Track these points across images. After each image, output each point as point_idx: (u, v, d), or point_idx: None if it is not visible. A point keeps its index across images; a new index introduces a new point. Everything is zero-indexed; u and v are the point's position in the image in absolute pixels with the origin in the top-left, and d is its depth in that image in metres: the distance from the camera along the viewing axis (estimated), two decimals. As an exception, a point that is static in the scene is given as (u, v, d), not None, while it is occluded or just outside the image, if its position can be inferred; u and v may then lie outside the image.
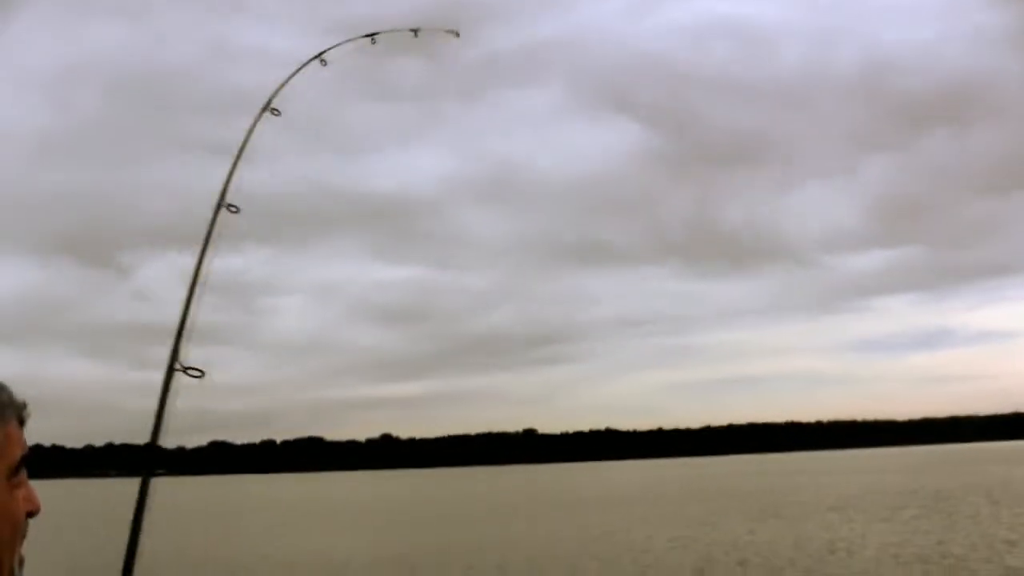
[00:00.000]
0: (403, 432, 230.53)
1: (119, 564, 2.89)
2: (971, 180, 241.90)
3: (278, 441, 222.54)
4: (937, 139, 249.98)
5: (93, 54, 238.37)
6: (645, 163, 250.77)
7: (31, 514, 1.32)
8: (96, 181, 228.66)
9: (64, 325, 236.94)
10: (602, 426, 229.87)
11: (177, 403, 3.07)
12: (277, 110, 4.20)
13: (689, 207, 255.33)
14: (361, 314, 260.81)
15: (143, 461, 3.09)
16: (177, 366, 3.05)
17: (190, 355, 3.12)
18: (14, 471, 1.29)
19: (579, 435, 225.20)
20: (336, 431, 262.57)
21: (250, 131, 4.05)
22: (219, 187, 3.75)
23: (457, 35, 5.91)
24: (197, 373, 3.04)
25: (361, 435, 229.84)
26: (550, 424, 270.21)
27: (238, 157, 3.91)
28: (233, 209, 3.68)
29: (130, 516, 2.95)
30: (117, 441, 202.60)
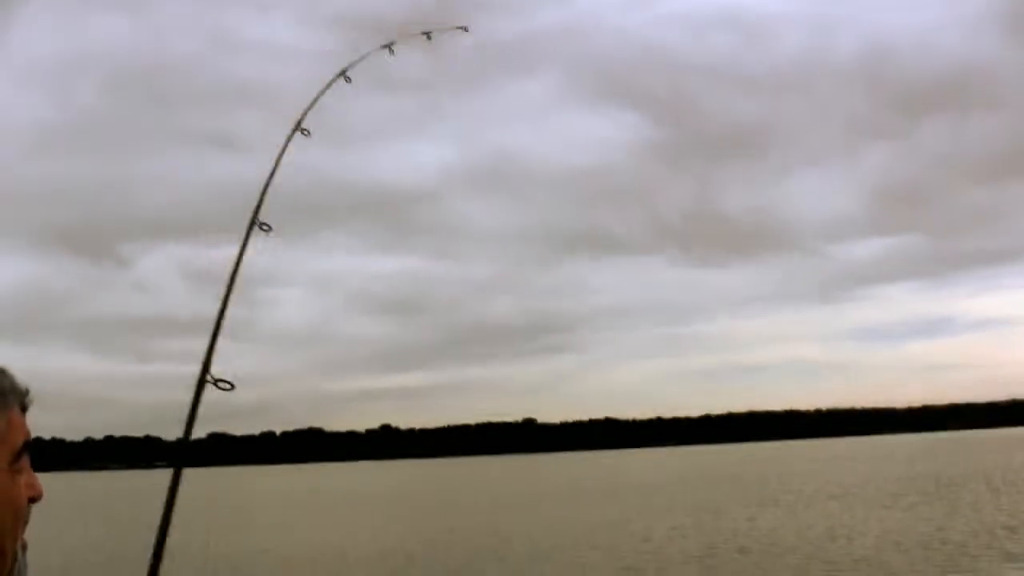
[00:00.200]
0: (403, 422, 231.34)
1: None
2: (971, 168, 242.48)
3: (278, 432, 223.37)
4: (936, 127, 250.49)
5: (93, 47, 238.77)
6: (644, 152, 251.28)
7: (33, 500, 1.31)
8: (96, 173, 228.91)
9: (63, 318, 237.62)
10: (602, 415, 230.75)
11: (200, 411, 3.07)
12: (307, 130, 4.17)
13: (688, 196, 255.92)
14: (361, 305, 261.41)
15: (175, 460, 3.10)
16: (208, 378, 3.04)
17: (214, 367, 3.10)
18: (16, 457, 1.28)
19: (579, 424, 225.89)
20: (336, 422, 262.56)
21: (281, 152, 4.03)
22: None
23: (467, 30, 5.88)
24: (227, 386, 3.04)
25: (361, 426, 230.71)
26: (550, 414, 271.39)
27: (270, 177, 3.88)
28: (265, 228, 3.64)
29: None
30: (117, 434, 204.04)
